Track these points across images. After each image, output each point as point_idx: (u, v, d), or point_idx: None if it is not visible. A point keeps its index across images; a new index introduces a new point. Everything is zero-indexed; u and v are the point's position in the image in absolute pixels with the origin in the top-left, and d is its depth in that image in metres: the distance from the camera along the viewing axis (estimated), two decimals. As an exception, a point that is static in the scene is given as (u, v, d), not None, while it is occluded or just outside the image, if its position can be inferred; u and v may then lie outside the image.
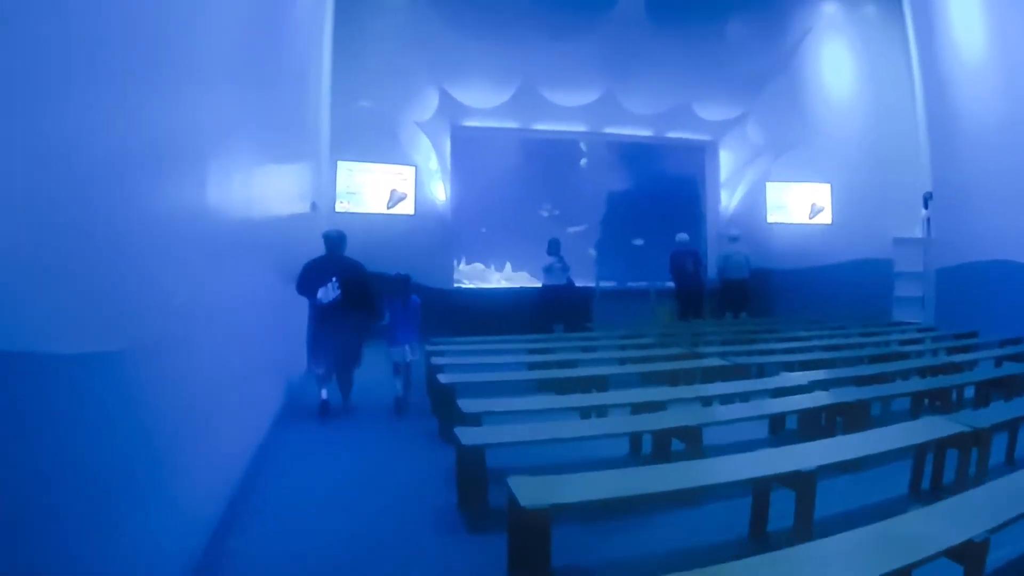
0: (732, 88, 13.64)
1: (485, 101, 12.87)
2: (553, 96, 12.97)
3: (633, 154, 15.20)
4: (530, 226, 14.25)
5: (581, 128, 14.24)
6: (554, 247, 12.31)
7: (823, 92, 13.50)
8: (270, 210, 5.87)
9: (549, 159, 14.76)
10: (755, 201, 14.31)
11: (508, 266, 14.46)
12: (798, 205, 13.99)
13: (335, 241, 6.70)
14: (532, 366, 7.36)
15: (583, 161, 15.15)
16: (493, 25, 11.81)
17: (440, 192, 12.88)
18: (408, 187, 12.22)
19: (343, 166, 11.74)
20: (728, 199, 15.07)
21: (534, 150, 14.55)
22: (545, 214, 14.86)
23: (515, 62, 12.36)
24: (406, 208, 12.23)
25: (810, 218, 13.96)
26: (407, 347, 7.08)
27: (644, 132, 14.56)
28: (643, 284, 14.16)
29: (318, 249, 6.79)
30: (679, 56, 12.80)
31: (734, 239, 12.82)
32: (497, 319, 11.75)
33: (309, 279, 6.45)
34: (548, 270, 12.24)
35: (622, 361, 7.78)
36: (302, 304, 6.82)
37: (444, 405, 5.77)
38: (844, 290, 12.79)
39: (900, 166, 12.58)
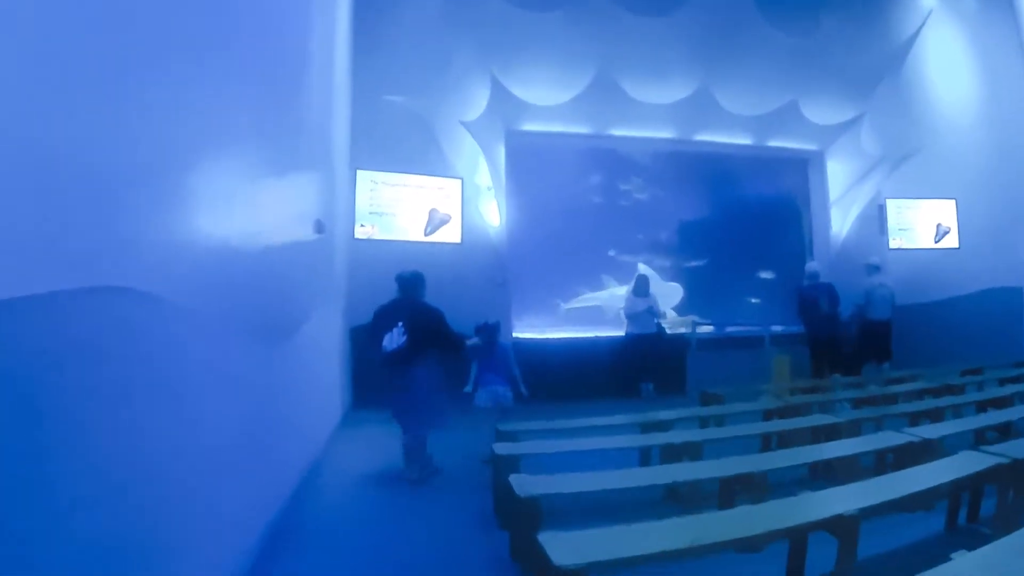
0: (846, 83, 10.97)
1: (549, 96, 9.91)
2: (637, 91, 10.02)
3: (722, 168, 12.22)
4: (601, 259, 11.32)
5: (668, 134, 11.17)
6: (642, 287, 9.56)
7: (938, 91, 11.40)
8: (246, 241, 3.71)
9: (628, 174, 11.80)
10: (870, 223, 11.76)
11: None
12: (922, 226, 11.67)
13: (408, 283, 5.88)
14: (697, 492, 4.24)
15: (634, 180, 12.04)
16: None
17: (493, 214, 9.88)
18: (452, 207, 9.24)
19: (364, 177, 8.77)
20: (841, 221, 12.07)
21: (611, 162, 11.59)
22: (613, 252, 11.82)
23: (589, 45, 9.49)
24: (450, 235, 9.24)
25: (936, 242, 11.60)
26: (499, 389, 6.42)
27: (743, 140, 11.57)
28: (744, 329, 11.16)
29: (326, 285, 6.04)
30: (787, 41, 10.15)
31: (875, 269, 9.98)
32: (568, 378, 8.98)
33: (377, 326, 5.76)
34: (634, 316, 9.39)
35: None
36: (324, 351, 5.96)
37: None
38: (969, 326, 10.42)
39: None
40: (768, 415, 6.57)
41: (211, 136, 2.93)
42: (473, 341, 6.35)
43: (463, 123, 9.36)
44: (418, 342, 5.57)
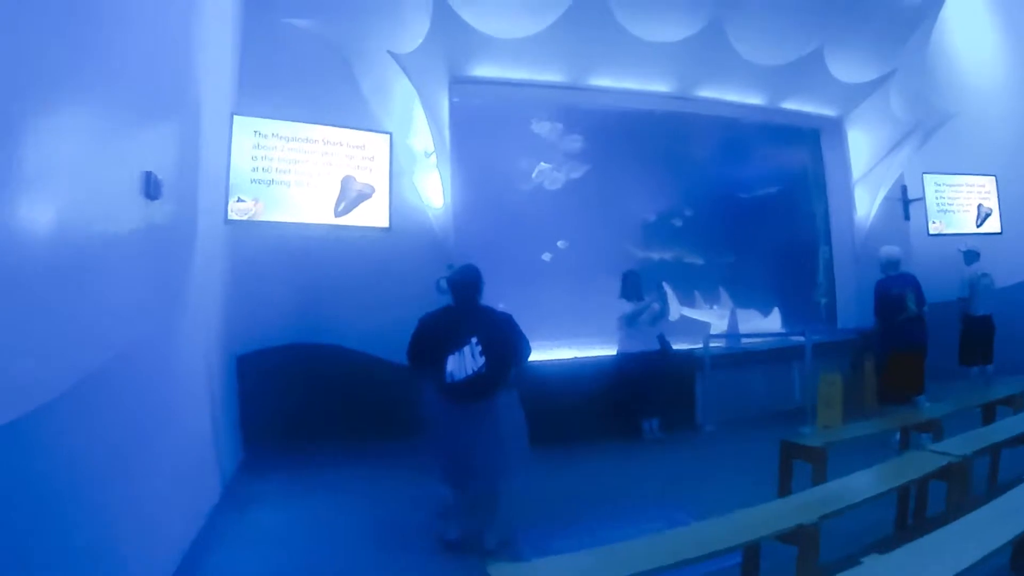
0: (878, 31, 8.63)
1: (512, 26, 7.12)
2: (632, 21, 7.36)
3: (724, 136, 9.83)
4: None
5: (664, 87, 8.48)
6: (631, 286, 7.04)
7: (969, 50, 10.26)
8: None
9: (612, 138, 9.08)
10: (897, 204, 9.92)
11: None
12: (964, 207, 10.24)
13: (467, 286, 4.15)
14: None
15: (541, 167, 9.37)
16: None
17: (435, 191, 7.12)
18: (377, 176, 6.44)
19: (245, 127, 5.82)
20: (868, 203, 9.77)
21: (590, 122, 8.91)
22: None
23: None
24: (373, 216, 6.45)
25: (977, 226, 10.20)
26: None
27: (753, 99, 9.02)
28: (761, 339, 8.74)
29: (173, 293, 3.87)
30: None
31: (974, 256, 8.18)
32: (548, 415, 6.21)
33: (428, 345, 4.08)
34: (630, 320, 6.91)
35: None
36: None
37: None
38: (1005, 325, 8.53)
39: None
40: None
41: None
42: None
43: (393, 55, 6.52)
44: (499, 363, 4.10)
